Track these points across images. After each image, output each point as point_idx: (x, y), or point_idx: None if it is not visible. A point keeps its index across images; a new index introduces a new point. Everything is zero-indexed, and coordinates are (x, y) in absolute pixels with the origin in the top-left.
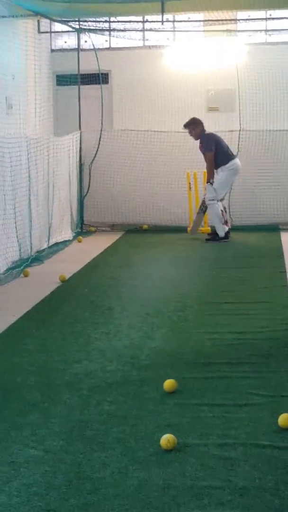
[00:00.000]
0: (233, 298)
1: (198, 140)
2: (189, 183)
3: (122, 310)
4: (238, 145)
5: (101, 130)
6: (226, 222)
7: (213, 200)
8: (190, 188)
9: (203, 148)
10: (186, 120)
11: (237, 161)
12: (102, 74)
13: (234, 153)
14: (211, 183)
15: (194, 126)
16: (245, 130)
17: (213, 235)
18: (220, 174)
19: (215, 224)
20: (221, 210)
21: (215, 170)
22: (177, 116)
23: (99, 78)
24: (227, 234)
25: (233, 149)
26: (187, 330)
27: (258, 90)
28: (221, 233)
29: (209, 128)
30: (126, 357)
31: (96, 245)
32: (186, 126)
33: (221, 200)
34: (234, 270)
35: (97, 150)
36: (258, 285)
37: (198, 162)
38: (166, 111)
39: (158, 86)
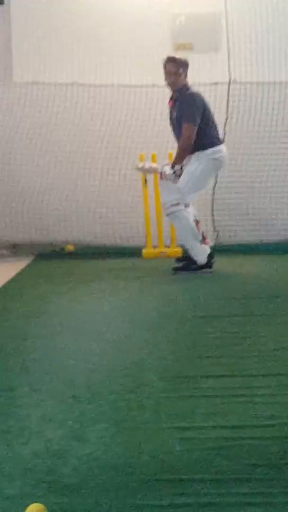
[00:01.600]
0: (223, 369)
1: (170, 97)
2: (144, 174)
3: (31, 392)
4: (228, 106)
5: None
6: (204, 239)
7: (177, 204)
8: (146, 182)
9: (182, 115)
10: (135, 66)
11: (223, 148)
12: None
13: (221, 136)
14: (175, 172)
15: (184, 68)
16: (238, 82)
17: (186, 262)
18: (195, 164)
19: (186, 244)
20: (194, 221)
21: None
22: (122, 60)
23: None
24: (210, 259)
25: (219, 113)
26: (143, 424)
27: (259, 16)
28: (201, 258)
29: None
30: (38, 472)
31: None
32: (172, 61)
33: (187, 205)
34: (223, 321)
35: None
36: (264, 346)
37: (161, 137)
38: (103, 51)
39: (90, 9)
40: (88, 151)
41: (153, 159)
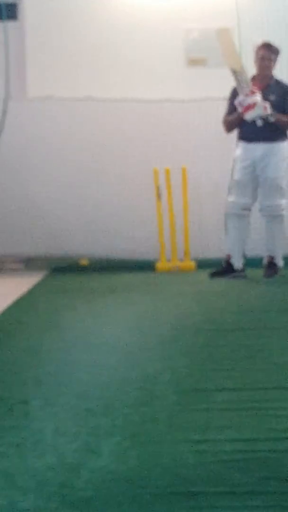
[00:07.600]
0: (237, 382)
1: (252, 78)
2: (158, 188)
3: (44, 405)
4: None
5: (6, 99)
6: None
7: (285, 209)
8: (159, 196)
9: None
10: (149, 81)
11: None
12: (6, 4)
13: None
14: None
15: (276, 55)
16: None
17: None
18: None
19: (279, 248)
20: None
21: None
22: (136, 75)
23: (0, 11)
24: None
25: None
26: (156, 437)
27: (272, 30)
28: (239, 263)
29: (191, 92)
30: (51, 485)
31: None
32: (267, 47)
33: None
34: (237, 334)
35: None
36: (279, 359)
37: (174, 152)
38: (117, 66)
39: (103, 25)
40: (103, 165)
41: (167, 174)
